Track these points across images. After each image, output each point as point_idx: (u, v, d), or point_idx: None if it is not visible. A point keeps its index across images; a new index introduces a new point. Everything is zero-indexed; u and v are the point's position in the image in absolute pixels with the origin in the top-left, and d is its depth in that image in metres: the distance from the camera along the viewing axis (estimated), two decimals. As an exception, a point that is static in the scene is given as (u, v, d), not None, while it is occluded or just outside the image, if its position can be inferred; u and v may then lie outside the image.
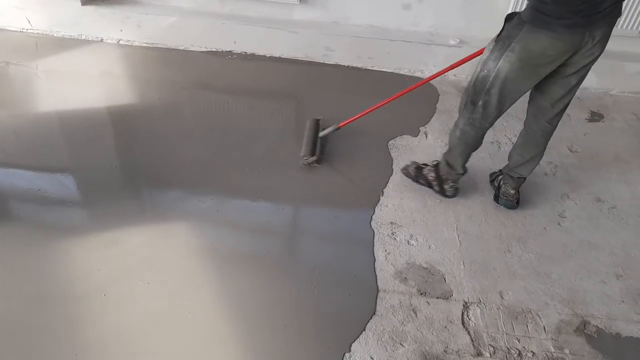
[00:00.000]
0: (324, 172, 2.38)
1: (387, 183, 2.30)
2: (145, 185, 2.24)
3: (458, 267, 1.91)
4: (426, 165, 2.27)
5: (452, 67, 2.08)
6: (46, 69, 3.13)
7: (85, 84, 2.95)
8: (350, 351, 1.57)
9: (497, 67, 1.72)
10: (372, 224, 2.08)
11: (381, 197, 2.22)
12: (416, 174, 2.26)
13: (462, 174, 2.14)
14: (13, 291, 1.69)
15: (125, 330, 1.59)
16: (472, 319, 1.71)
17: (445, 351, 1.59)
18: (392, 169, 2.40)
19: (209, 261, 1.85)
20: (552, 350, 1.64)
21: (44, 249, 1.85)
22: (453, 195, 2.21)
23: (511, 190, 2.15)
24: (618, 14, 1.67)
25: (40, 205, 2.07)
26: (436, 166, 2.21)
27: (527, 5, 1.69)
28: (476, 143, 2.02)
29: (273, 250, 1.96)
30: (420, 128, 2.73)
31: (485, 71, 1.77)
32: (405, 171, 2.31)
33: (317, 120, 2.64)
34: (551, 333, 1.69)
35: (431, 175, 2.21)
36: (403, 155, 2.48)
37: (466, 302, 1.76)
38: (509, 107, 1.83)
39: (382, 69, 3.35)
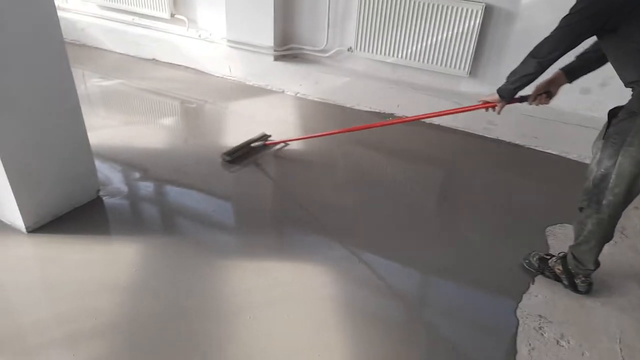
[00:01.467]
0: (471, 246, 2.31)
1: (539, 271, 2.14)
2: (297, 225, 2.42)
3: (617, 387, 1.66)
4: (551, 256, 2.09)
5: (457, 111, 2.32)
6: (233, 110, 3.66)
7: (262, 126, 3.36)
8: None
9: (618, 164, 1.68)
10: (518, 312, 1.93)
11: (531, 285, 2.06)
12: (540, 265, 2.09)
13: (594, 270, 1.94)
14: (172, 298, 1.91)
15: (260, 355, 1.70)
16: None
17: None
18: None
19: (343, 311, 1.90)
20: None
21: (205, 264, 2.10)
22: (586, 292, 1.99)
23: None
24: None
25: (208, 226, 2.38)
26: (563, 258, 2.02)
27: (635, 96, 1.62)
28: (608, 237, 1.88)
29: (405, 315, 1.94)
30: (586, 220, 2.50)
31: (603, 170, 1.73)
32: (527, 261, 2.14)
33: (264, 135, 3.07)
34: None
35: (558, 268, 2.03)
36: (561, 246, 2.28)
37: None
38: (634, 198, 1.77)
39: (546, 150, 3.20)
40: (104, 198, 2.46)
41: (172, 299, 1.91)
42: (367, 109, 3.69)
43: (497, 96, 1.97)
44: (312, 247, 2.26)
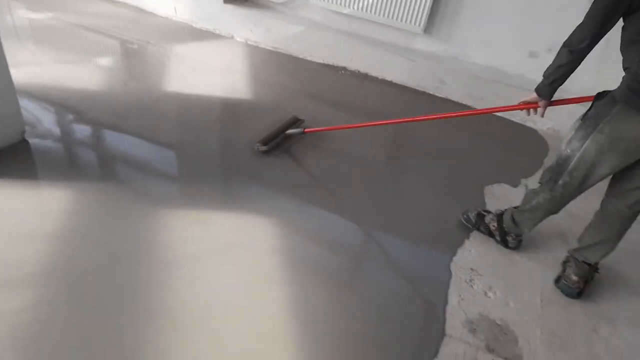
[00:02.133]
0: (414, 203, 2.36)
1: (474, 227, 2.23)
2: (241, 175, 2.37)
3: (534, 334, 1.78)
4: (489, 212, 2.16)
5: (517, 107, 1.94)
6: (178, 54, 3.46)
7: (209, 73, 3.21)
8: (403, 387, 1.53)
9: (583, 148, 1.64)
10: (452, 265, 2.01)
11: (466, 241, 2.14)
12: (477, 220, 2.16)
13: (527, 233, 2.03)
14: (107, 246, 1.84)
15: (194, 306, 1.67)
16: (540, 392, 1.59)
17: (503, 417, 1.50)
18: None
19: (283, 261, 1.90)
20: None
21: (144, 213, 2.02)
22: (516, 248, 2.09)
23: (573, 277, 1.92)
24: None
25: (147, 173, 2.27)
26: (500, 216, 2.09)
27: (622, 83, 1.56)
28: (553, 213, 1.92)
29: (346, 266, 1.97)
30: (522, 180, 2.61)
31: (569, 151, 1.70)
32: (465, 217, 2.20)
33: (297, 120, 2.72)
34: None
35: (493, 225, 2.11)
36: (498, 204, 2.38)
37: (537, 373, 1.64)
38: (592, 186, 1.74)
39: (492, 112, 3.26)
40: (30, 140, 2.28)
41: (106, 247, 1.83)
42: (320, 60, 3.60)
43: (535, 95, 1.83)
44: (256, 199, 2.22)
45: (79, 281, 1.68)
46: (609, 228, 1.84)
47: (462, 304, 1.85)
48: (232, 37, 3.72)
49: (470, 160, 2.78)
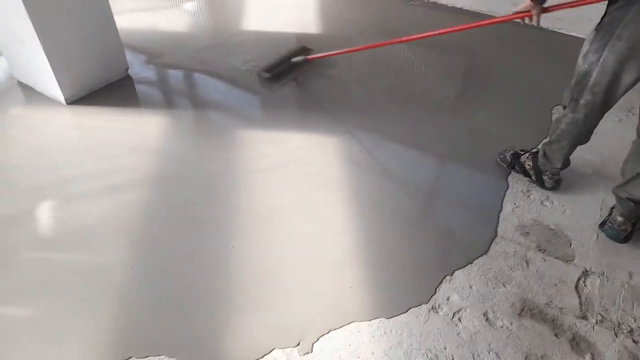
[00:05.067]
0: (477, 124, 2.42)
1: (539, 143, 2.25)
2: (313, 102, 2.56)
3: (590, 238, 1.83)
4: (524, 152, 2.09)
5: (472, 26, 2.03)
6: (254, -3, 3.66)
7: (281, 11, 3.38)
8: (452, 275, 1.69)
9: (602, 60, 1.51)
10: (510, 178, 2.08)
11: (527, 155, 2.18)
12: (512, 160, 2.10)
13: (561, 169, 1.93)
14: (196, 160, 2.16)
15: (271, 206, 1.94)
16: (589, 286, 1.66)
17: (547, 304, 1.60)
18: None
19: (348, 172, 2.10)
20: (673, 342, 1.52)
21: (227, 134, 2.32)
22: (553, 188, 2.00)
23: (619, 218, 1.79)
24: None
25: (231, 100, 2.55)
26: (535, 154, 2.02)
27: None
28: (582, 139, 1.81)
29: (409, 174, 2.11)
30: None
31: (586, 66, 1.58)
32: (501, 156, 2.15)
33: (304, 48, 2.82)
34: (679, 327, 1.55)
35: (528, 164, 2.03)
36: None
37: (587, 270, 1.71)
38: (616, 102, 1.62)
39: (570, 33, 3.11)
40: (133, 76, 2.65)
41: (196, 160, 2.16)
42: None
43: (529, 2, 1.73)
44: (330, 122, 2.41)
45: (173, 186, 2.02)
46: None
47: (516, 211, 1.93)
48: (304, -24, 3.83)
49: (545, 83, 2.72)
